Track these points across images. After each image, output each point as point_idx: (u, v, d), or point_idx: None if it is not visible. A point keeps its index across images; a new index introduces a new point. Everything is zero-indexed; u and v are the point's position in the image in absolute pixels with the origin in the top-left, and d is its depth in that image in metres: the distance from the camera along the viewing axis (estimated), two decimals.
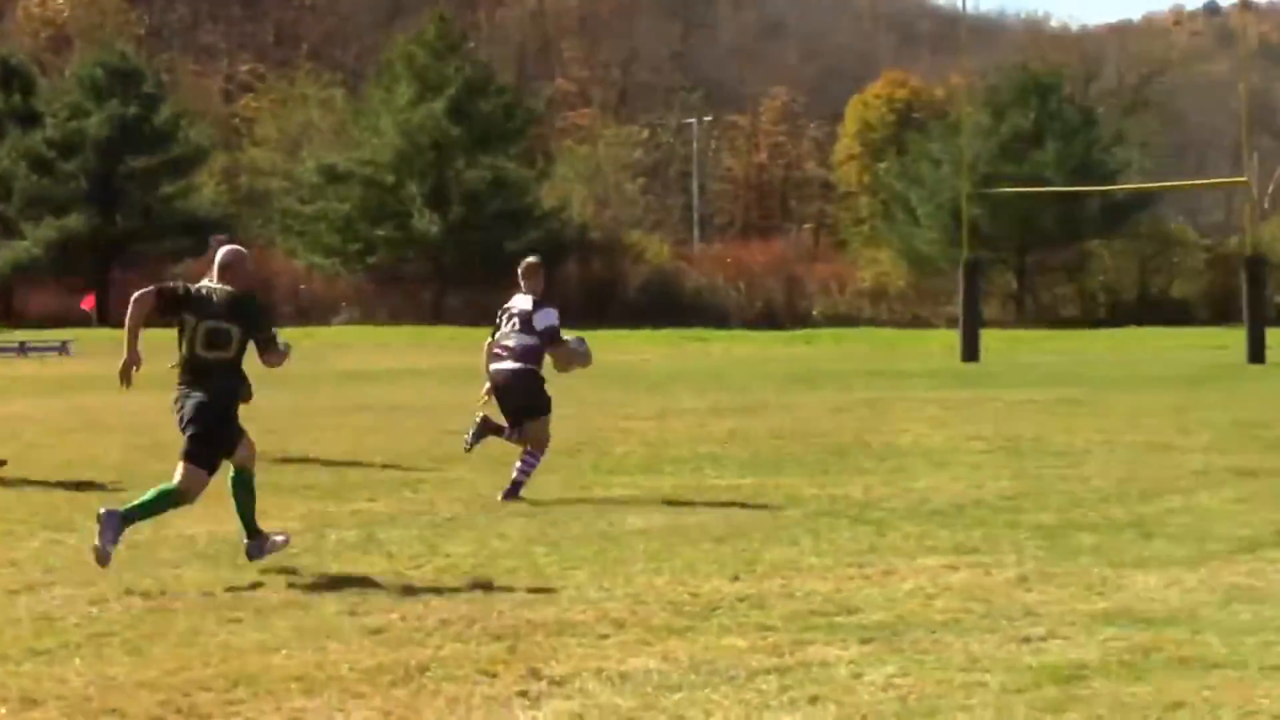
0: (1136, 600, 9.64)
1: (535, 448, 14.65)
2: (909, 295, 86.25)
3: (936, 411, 24.67)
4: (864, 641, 8.59)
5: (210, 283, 10.97)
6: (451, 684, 7.81)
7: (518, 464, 14.61)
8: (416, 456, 18.05)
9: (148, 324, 10.70)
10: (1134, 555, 11.20)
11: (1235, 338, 43.20)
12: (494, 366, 14.66)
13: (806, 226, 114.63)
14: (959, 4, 51.10)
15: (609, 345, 34.81)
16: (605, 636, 8.80)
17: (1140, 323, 73.98)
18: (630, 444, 19.58)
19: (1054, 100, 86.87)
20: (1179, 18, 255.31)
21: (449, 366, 37.60)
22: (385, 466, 17.13)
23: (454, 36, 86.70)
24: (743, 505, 13.94)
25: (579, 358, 15.27)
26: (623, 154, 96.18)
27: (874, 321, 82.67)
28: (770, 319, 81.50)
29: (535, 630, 8.94)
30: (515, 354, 14.47)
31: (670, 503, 14.17)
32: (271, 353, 11.02)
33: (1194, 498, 14.19)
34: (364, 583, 10.36)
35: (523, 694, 7.63)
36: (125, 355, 10.69)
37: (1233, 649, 8.31)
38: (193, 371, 10.79)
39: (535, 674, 7.97)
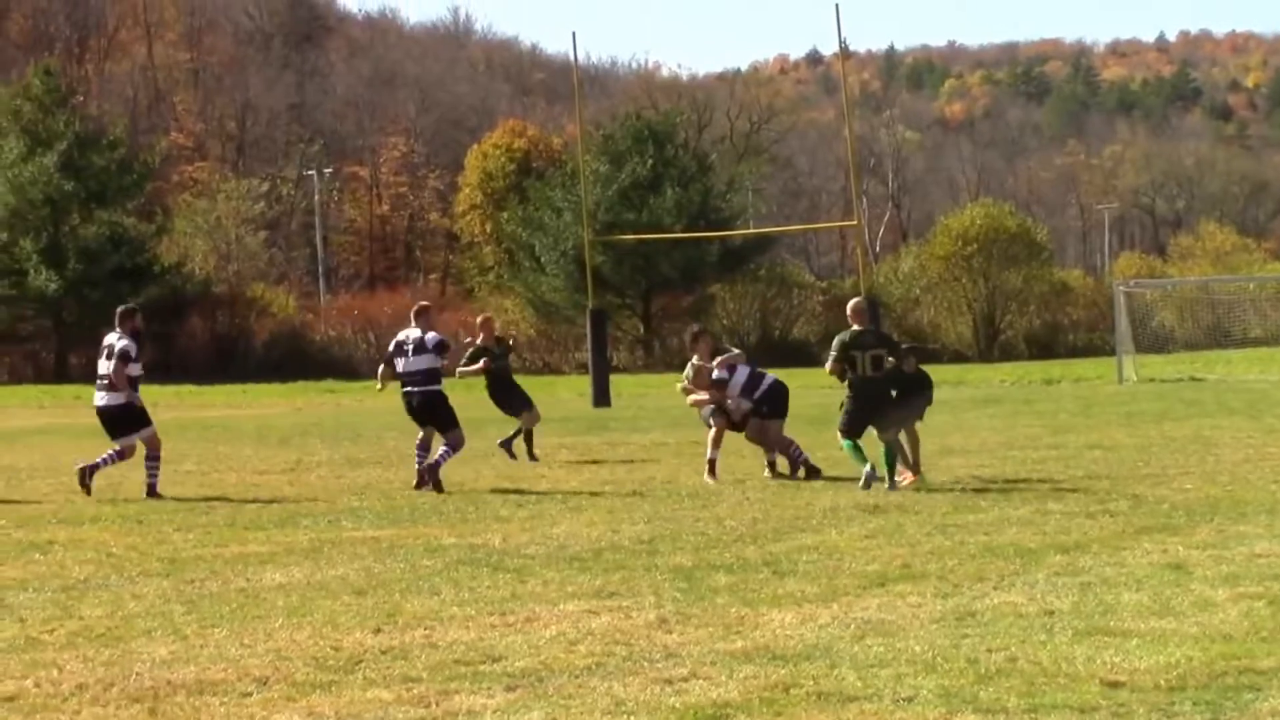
0: (773, 638, 9.82)
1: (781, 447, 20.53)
2: (539, 343, 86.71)
3: (571, 457, 24.88)
4: (509, 689, 8.62)
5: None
6: None
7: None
8: (44, 518, 17.54)
9: None
10: (769, 593, 11.41)
11: None
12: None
13: (433, 277, 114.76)
14: (571, 55, 52.03)
15: (237, 400, 34.42)
16: (248, 694, 8.68)
17: (764, 365, 75.39)
18: (265, 498, 19.33)
19: (670, 148, 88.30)
20: (784, 66, 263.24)
21: (76, 426, 36.62)
22: (12, 529, 16.60)
23: (62, 90, 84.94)
24: (382, 557, 13.87)
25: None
26: (243, 207, 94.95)
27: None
28: None
29: (175, 691, 8.78)
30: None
31: (308, 556, 14.03)
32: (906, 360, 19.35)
33: (824, 535, 14.52)
34: None
35: None
36: None
37: (867, 682, 8.52)
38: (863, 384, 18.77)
39: None
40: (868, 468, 18.26)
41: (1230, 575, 11.56)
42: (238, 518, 17.35)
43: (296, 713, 8.23)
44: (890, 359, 19.06)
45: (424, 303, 21.54)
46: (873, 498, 17.46)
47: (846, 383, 19.02)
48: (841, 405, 19.21)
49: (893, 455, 18.60)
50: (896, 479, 18.44)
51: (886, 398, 18.98)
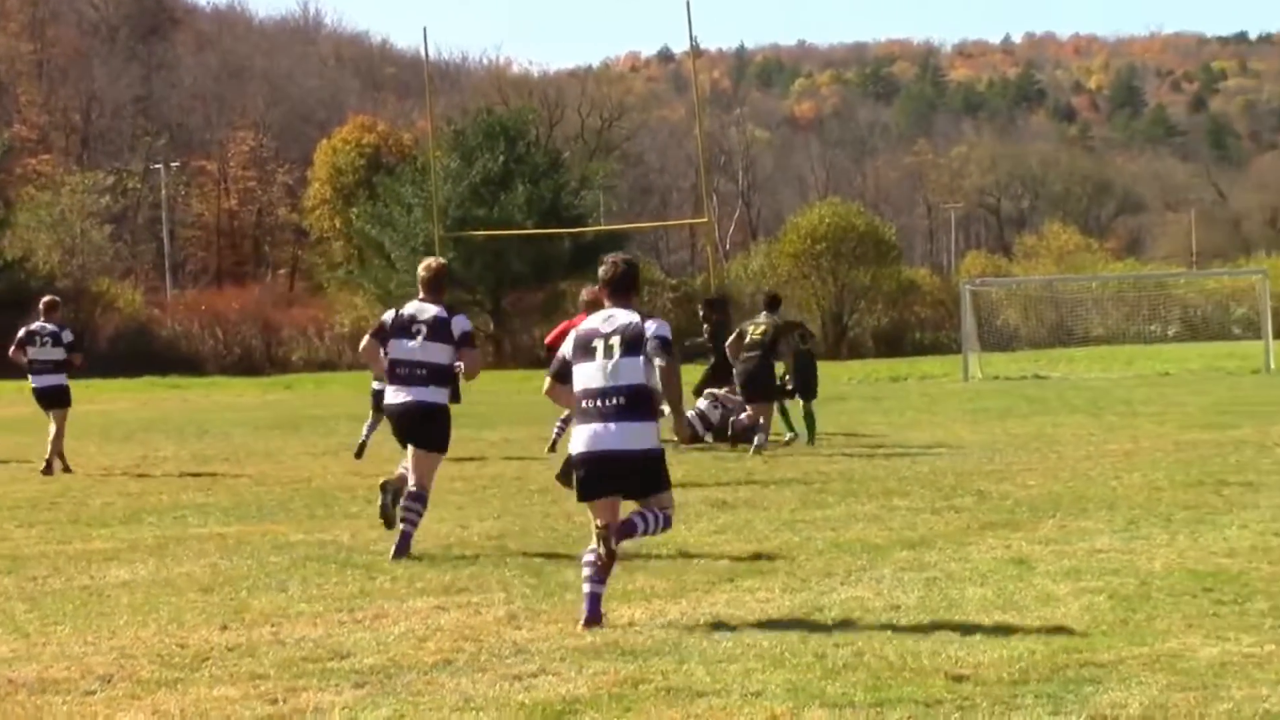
0: (623, 633, 9.83)
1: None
2: None
3: None
4: (358, 686, 8.57)
5: None
6: None
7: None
8: None
9: None
10: (619, 589, 11.41)
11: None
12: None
13: (281, 272, 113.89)
14: (422, 50, 52.19)
15: (81, 395, 33.78)
16: (91, 693, 8.58)
17: None
18: (109, 495, 19.11)
19: (521, 144, 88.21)
20: (636, 64, 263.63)
21: None
22: None
23: None
24: (229, 553, 13.76)
25: None
26: (88, 201, 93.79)
27: (355, 366, 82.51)
28: (248, 366, 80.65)
29: (17, 690, 8.66)
30: None
31: (154, 553, 13.89)
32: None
33: (673, 531, 14.50)
34: None
35: None
36: None
37: (715, 677, 8.55)
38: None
39: None
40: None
41: (1072, 570, 11.72)
42: (81, 514, 17.15)
43: (141, 711, 8.14)
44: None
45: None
46: (720, 494, 17.55)
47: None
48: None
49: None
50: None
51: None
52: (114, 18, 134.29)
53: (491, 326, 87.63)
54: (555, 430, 24.32)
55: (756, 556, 12.85)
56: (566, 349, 10.75)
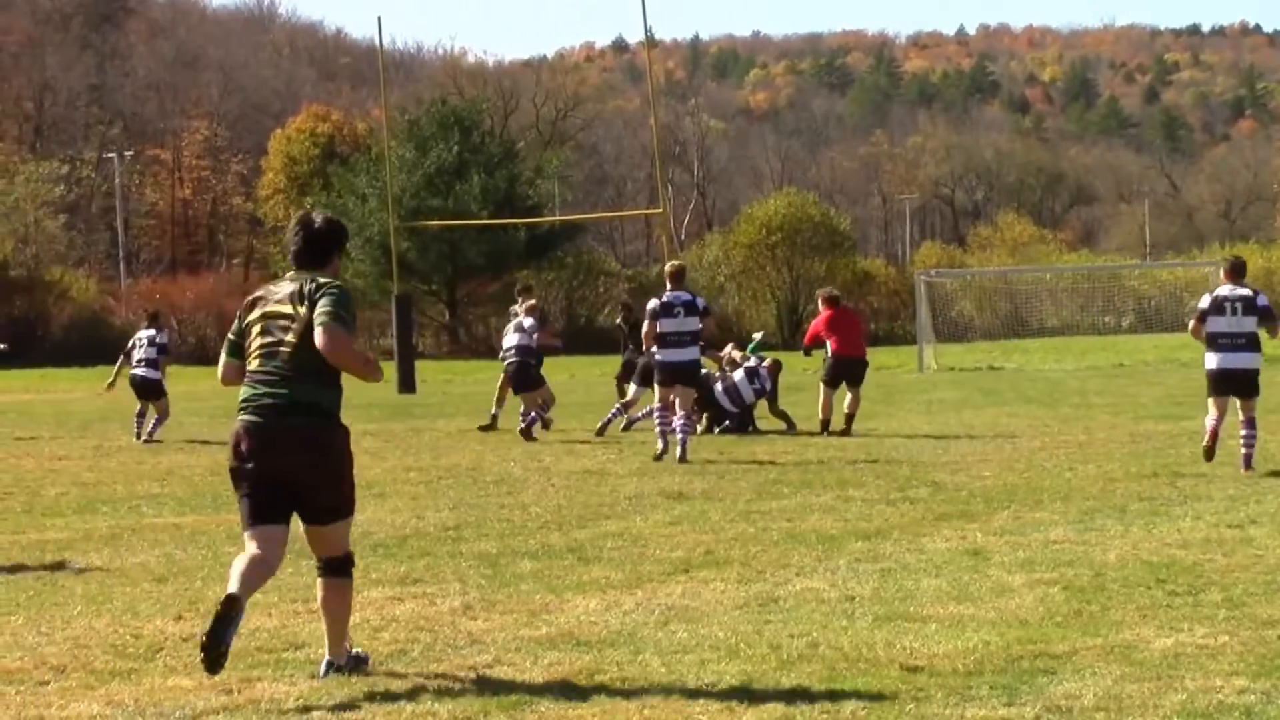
0: (578, 624, 9.85)
1: None
2: None
3: (375, 444, 24.73)
4: (313, 676, 8.56)
5: None
6: None
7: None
8: None
9: None
10: (574, 580, 11.44)
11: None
12: None
13: (235, 261, 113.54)
14: (376, 39, 52.34)
15: (36, 385, 33.80)
16: (45, 683, 8.55)
17: (569, 351, 75.33)
18: (63, 485, 19.04)
19: (476, 134, 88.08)
20: (590, 54, 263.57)
21: None
22: None
23: None
24: (183, 543, 13.71)
25: None
26: (42, 190, 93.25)
27: None
28: (203, 355, 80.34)
29: None
30: None
31: (108, 543, 13.83)
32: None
33: (628, 522, 14.58)
34: None
35: None
36: None
37: (670, 668, 8.56)
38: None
39: None
40: None
41: (1026, 561, 11.76)
42: (35, 504, 17.09)
43: (95, 701, 8.11)
44: None
45: None
46: (676, 485, 17.56)
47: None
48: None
49: None
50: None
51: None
52: (67, 6, 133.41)
53: (446, 317, 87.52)
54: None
55: (712, 547, 12.86)
56: (1204, 303, 17.84)
